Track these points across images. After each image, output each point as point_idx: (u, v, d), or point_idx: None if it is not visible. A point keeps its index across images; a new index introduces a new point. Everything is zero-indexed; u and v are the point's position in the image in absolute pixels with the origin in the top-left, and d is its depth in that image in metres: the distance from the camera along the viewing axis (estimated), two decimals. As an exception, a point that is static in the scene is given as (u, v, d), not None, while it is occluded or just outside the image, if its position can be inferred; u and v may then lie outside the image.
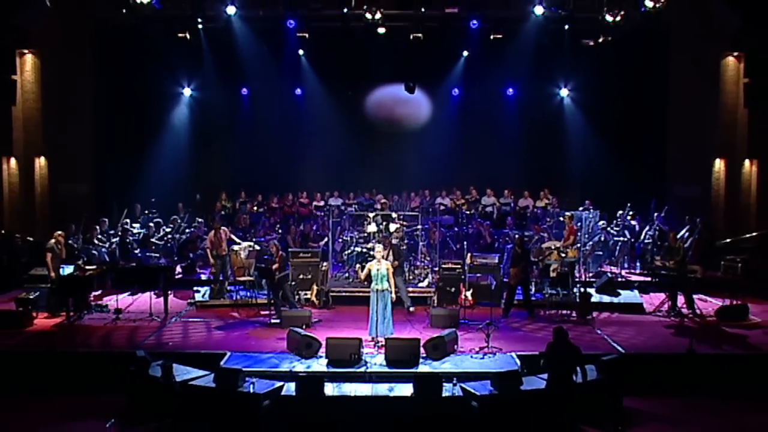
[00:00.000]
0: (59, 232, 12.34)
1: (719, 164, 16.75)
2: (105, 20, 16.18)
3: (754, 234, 15.27)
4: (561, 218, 14.76)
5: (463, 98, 19.53)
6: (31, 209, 16.01)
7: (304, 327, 11.06)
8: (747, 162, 16.03)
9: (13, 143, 15.42)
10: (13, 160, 15.45)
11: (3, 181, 15.19)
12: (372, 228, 14.21)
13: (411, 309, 12.52)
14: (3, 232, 14.57)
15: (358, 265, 12.71)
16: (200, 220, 16.67)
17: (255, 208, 17.92)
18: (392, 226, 14.02)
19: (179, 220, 16.65)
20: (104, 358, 10.16)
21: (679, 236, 14.17)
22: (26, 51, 15.61)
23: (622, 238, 15.75)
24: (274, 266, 12.14)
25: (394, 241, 13.02)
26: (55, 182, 16.57)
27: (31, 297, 12.00)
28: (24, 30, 14.28)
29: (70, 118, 16.61)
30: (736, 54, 16.08)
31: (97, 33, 16.71)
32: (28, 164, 15.87)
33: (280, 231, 15.96)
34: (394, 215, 14.70)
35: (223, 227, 13.71)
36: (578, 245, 13.72)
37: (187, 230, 16.34)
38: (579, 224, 14.79)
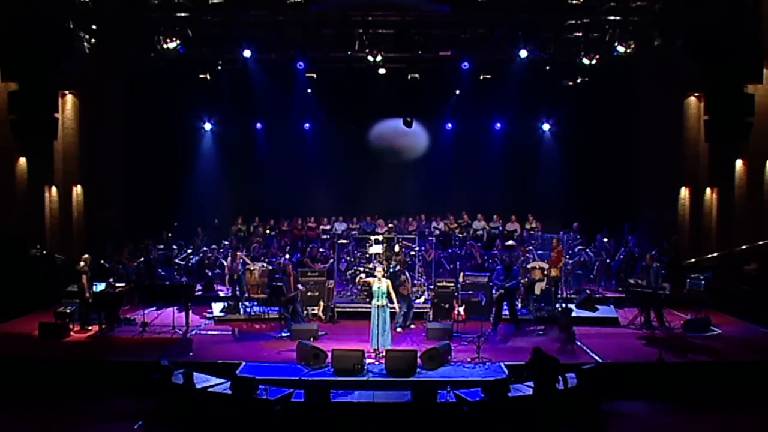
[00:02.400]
0: (86, 256, 12.41)
1: (684, 192, 16.82)
2: (135, 63, 16.43)
3: (715, 254, 15.30)
4: (553, 238, 14.55)
5: (455, 132, 19.71)
6: (69, 232, 16.05)
7: (311, 339, 11.08)
8: (708, 190, 16.10)
9: (54, 173, 15.60)
10: (54, 189, 15.55)
11: (45, 207, 15.30)
12: (375, 249, 14.27)
13: (398, 329, 12.10)
14: (44, 252, 14.65)
15: (362, 274, 12.73)
16: (226, 242, 16.68)
17: (267, 231, 17.99)
18: (396, 248, 14.09)
19: (199, 243, 16.73)
20: (132, 366, 10.19)
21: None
22: (67, 92, 15.80)
23: (599, 259, 15.82)
24: (293, 294, 12.20)
25: (395, 264, 12.99)
26: (91, 208, 16.63)
27: (68, 311, 12.06)
28: (65, 74, 14.46)
29: (104, 150, 16.75)
30: (696, 94, 16.20)
31: (128, 75, 16.94)
32: (66, 192, 15.97)
33: (289, 253, 15.99)
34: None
35: (239, 252, 13.75)
36: (560, 265, 13.79)
37: (207, 251, 16.41)
38: (561, 246, 14.85)
